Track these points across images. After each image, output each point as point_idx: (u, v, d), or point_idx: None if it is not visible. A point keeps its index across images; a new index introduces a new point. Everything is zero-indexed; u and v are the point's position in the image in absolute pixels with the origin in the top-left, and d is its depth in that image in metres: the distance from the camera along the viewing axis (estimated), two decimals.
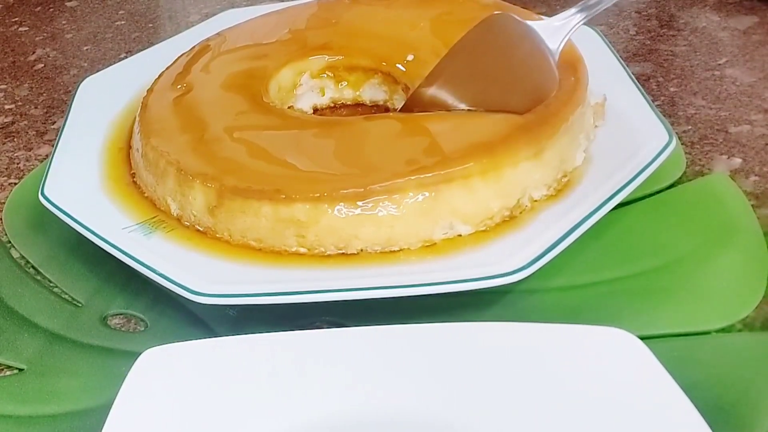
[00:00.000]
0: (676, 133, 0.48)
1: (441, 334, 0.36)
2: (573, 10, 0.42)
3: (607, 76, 0.51)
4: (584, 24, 0.57)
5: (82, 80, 0.58)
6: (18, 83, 0.70)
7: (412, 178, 0.42)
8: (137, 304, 0.45)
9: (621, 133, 0.47)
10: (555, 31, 0.43)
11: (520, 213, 0.43)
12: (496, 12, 0.45)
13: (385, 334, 0.36)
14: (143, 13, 0.81)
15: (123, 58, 0.67)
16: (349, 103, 0.56)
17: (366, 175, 0.43)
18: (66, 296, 0.46)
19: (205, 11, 0.79)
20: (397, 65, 0.53)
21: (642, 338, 0.35)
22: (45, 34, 0.79)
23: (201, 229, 0.45)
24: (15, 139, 0.62)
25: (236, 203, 0.43)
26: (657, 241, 0.45)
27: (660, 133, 0.46)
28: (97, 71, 0.60)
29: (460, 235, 0.43)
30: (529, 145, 0.43)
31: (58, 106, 0.66)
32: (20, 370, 0.42)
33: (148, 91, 0.54)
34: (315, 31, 0.58)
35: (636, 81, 0.51)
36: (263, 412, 0.34)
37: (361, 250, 0.42)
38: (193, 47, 0.58)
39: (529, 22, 0.43)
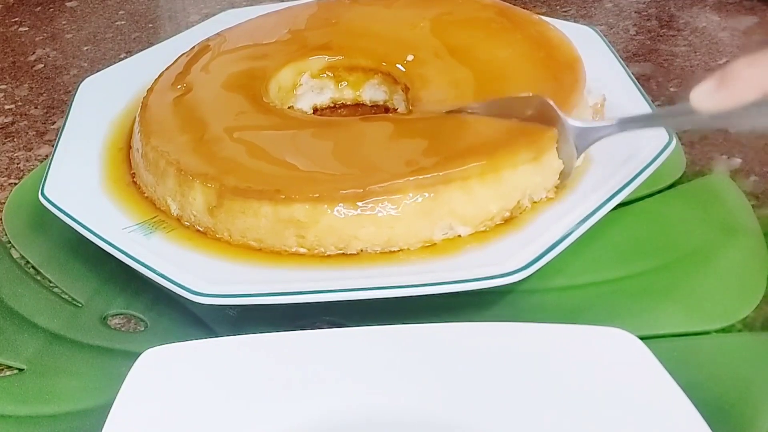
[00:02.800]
0: (676, 133, 0.48)
1: (441, 334, 0.36)
2: (615, 120, 0.43)
3: (607, 76, 0.51)
4: (585, 25, 0.58)
5: (82, 80, 0.58)
6: (18, 83, 0.70)
7: (411, 179, 0.42)
8: (137, 304, 0.45)
9: (621, 133, 0.46)
10: (587, 133, 0.43)
11: (521, 213, 0.43)
12: (538, 95, 0.45)
13: (385, 334, 0.36)
14: (143, 13, 0.81)
15: (123, 58, 0.67)
16: (349, 103, 0.56)
17: (366, 176, 0.43)
18: (66, 296, 0.46)
19: (205, 11, 0.79)
20: (397, 65, 0.53)
21: (642, 338, 0.35)
22: (45, 34, 0.79)
23: (201, 229, 0.45)
24: (15, 139, 0.62)
25: (236, 203, 0.43)
26: (657, 241, 0.45)
27: (660, 133, 0.46)
28: (97, 71, 0.60)
29: (459, 236, 0.43)
30: (528, 148, 0.43)
31: (58, 106, 0.66)
32: (20, 370, 0.42)
33: (148, 91, 0.54)
34: (315, 31, 0.58)
35: (636, 81, 0.51)
36: (263, 411, 0.34)
37: (361, 251, 0.42)
38: (193, 47, 0.58)
39: (565, 119, 0.43)
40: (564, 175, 0.45)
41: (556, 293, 0.43)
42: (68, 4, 0.84)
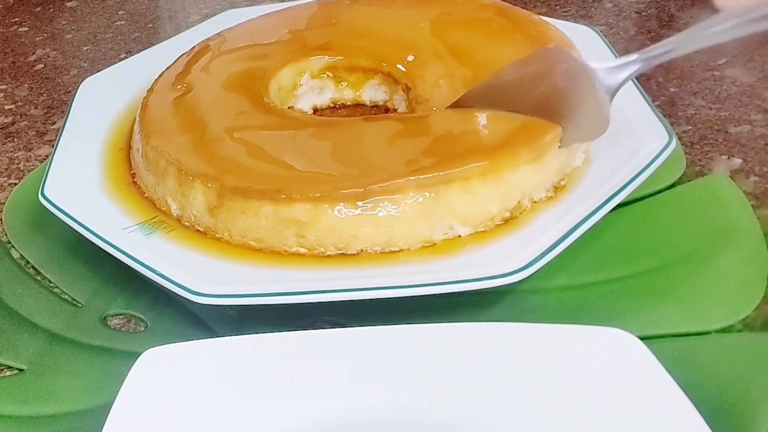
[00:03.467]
0: (676, 133, 0.48)
1: (441, 334, 0.36)
2: (634, 56, 0.42)
3: None
4: (585, 25, 0.58)
5: (82, 80, 0.58)
6: (18, 83, 0.70)
7: (412, 178, 0.42)
8: (137, 304, 0.45)
9: (621, 133, 0.46)
10: (612, 73, 0.42)
11: (521, 213, 0.43)
12: (552, 46, 0.43)
13: (385, 334, 0.36)
14: (143, 13, 0.81)
15: (123, 58, 0.67)
16: (349, 103, 0.56)
17: (366, 176, 0.43)
18: (66, 296, 0.46)
19: (205, 11, 0.79)
20: (398, 65, 0.53)
21: (642, 338, 0.35)
22: (45, 34, 0.79)
23: (201, 229, 0.45)
24: (15, 139, 0.62)
25: (236, 203, 0.43)
26: (657, 241, 0.45)
27: (660, 133, 0.46)
28: (97, 71, 0.60)
29: (459, 236, 0.43)
30: (529, 148, 0.43)
31: (58, 106, 0.66)
32: (20, 370, 0.42)
33: (148, 91, 0.54)
34: (315, 31, 0.58)
35: (636, 81, 0.51)
36: (263, 412, 0.34)
37: (361, 251, 0.42)
38: (193, 47, 0.58)
39: (587, 64, 0.42)
40: (600, 130, 0.43)
41: (556, 293, 0.43)
42: (68, 4, 0.84)
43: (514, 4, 0.57)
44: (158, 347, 0.36)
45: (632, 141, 0.46)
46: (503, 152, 0.43)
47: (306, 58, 0.55)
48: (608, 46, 0.55)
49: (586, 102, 0.43)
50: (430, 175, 0.42)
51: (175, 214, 0.46)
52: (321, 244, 0.42)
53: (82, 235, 0.44)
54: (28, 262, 0.49)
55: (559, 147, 0.44)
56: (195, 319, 0.43)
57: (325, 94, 0.56)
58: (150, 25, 0.78)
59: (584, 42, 0.52)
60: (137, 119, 0.52)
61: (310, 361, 0.36)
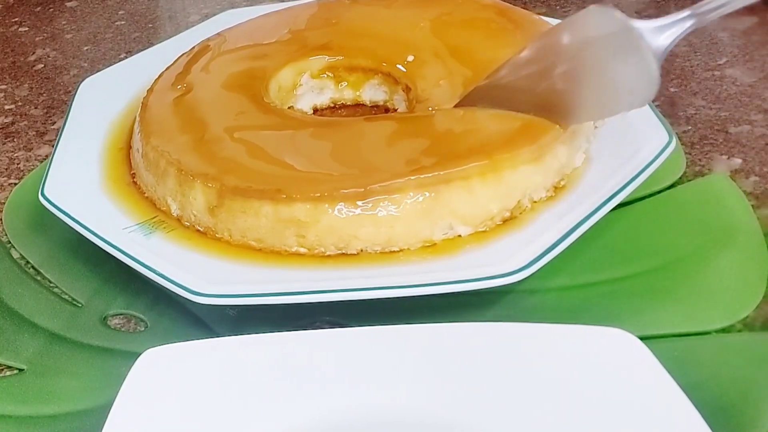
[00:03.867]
0: (676, 133, 0.48)
1: (441, 334, 0.36)
2: (685, 12, 0.39)
3: None
4: None
5: (82, 80, 0.58)
6: (18, 83, 0.70)
7: (412, 178, 0.42)
8: (137, 304, 0.45)
9: (621, 133, 0.47)
10: (660, 33, 0.39)
11: (521, 213, 0.43)
12: (595, 6, 0.41)
13: (385, 334, 0.36)
14: (143, 13, 0.81)
15: (123, 58, 0.67)
16: (349, 103, 0.56)
17: (366, 175, 0.43)
18: (66, 296, 0.46)
19: (205, 11, 0.79)
20: (398, 66, 0.53)
21: (642, 338, 0.35)
22: (45, 34, 0.79)
23: (201, 229, 0.45)
24: (15, 139, 0.62)
25: (237, 203, 0.43)
26: (657, 241, 0.45)
27: (660, 133, 0.46)
28: (97, 71, 0.60)
29: (460, 236, 0.43)
30: (529, 147, 0.43)
31: (58, 106, 0.66)
32: (20, 370, 0.42)
33: (148, 91, 0.54)
34: (315, 31, 0.58)
35: None
36: (263, 412, 0.34)
37: (361, 251, 0.42)
38: (193, 47, 0.58)
39: (632, 21, 0.40)
40: (647, 96, 0.41)
41: (556, 293, 0.43)
42: (68, 4, 0.84)
43: (514, 4, 0.57)
44: (158, 347, 0.36)
45: (632, 141, 0.46)
46: (503, 152, 0.43)
47: (306, 58, 0.55)
48: None
49: (628, 67, 0.41)
50: (430, 175, 0.42)
51: (175, 214, 0.46)
52: (321, 244, 0.42)
53: (82, 235, 0.44)
54: (28, 262, 0.49)
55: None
56: (195, 319, 0.43)
57: (325, 94, 0.56)
58: (150, 25, 0.78)
59: None
60: (137, 119, 0.52)
61: (310, 361, 0.36)
